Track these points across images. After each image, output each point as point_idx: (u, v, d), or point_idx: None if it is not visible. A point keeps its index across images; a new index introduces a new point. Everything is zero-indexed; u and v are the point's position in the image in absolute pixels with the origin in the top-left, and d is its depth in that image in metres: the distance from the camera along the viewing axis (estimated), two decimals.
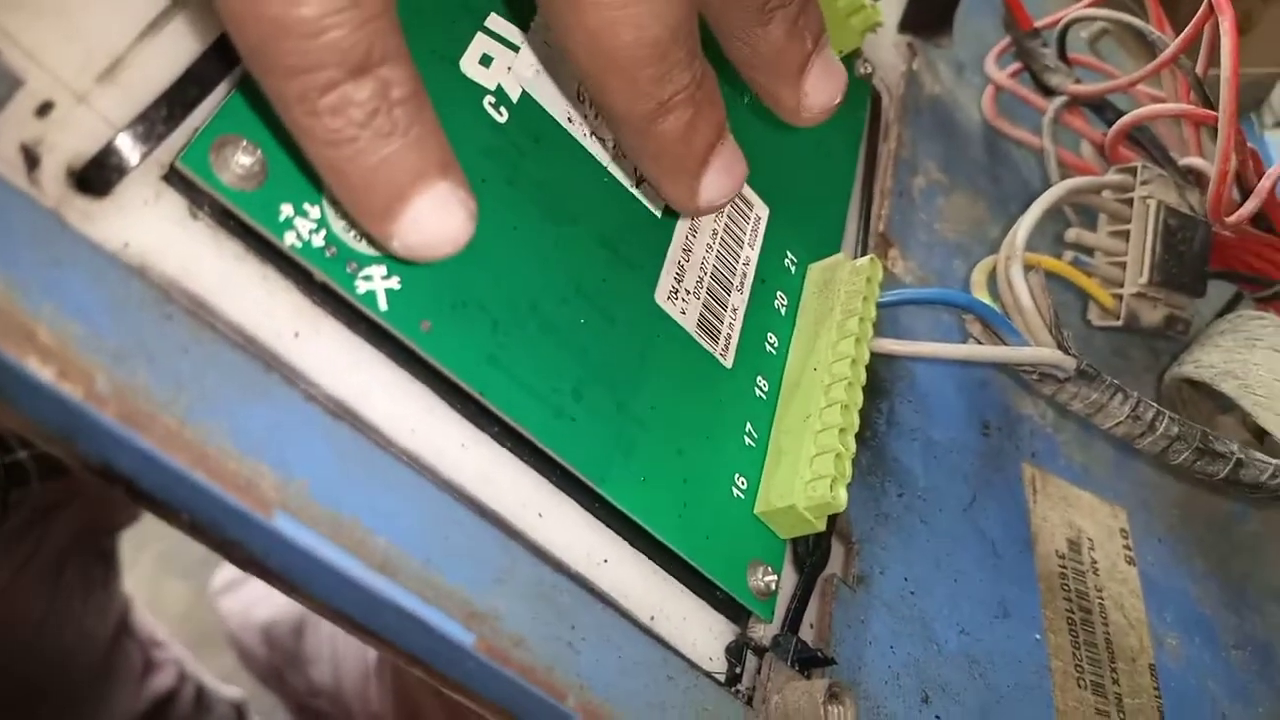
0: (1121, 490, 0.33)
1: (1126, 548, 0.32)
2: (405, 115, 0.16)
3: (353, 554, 0.15)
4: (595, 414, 0.21)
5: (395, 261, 0.18)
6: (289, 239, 0.17)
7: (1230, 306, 0.40)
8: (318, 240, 0.17)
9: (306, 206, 0.17)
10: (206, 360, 0.15)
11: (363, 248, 0.18)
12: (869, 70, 0.34)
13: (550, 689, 0.17)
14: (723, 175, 0.20)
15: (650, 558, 0.21)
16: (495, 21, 0.22)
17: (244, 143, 0.17)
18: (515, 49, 0.22)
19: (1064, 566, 0.30)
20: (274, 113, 0.17)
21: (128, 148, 0.16)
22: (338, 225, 0.18)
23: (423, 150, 0.16)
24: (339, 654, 0.63)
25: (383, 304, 0.18)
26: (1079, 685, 0.28)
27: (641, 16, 0.17)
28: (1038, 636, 0.28)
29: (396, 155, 0.16)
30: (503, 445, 0.19)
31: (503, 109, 0.21)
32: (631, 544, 0.21)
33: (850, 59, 0.33)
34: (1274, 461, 0.30)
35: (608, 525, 0.21)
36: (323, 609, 0.16)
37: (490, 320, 0.19)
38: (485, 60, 0.22)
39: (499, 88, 0.22)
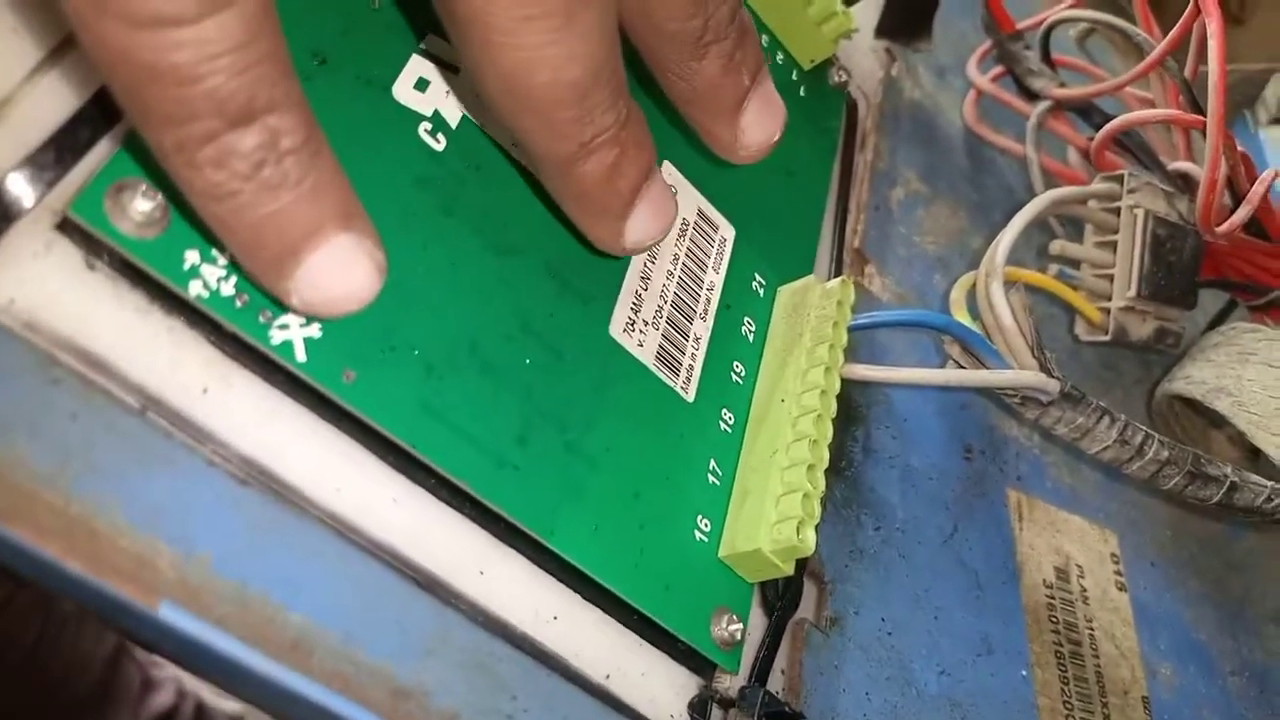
0: (1112, 511, 0.32)
1: (1118, 573, 0.31)
2: (297, 166, 0.14)
3: (255, 639, 0.14)
4: (542, 460, 0.19)
5: None
6: (194, 289, 0.16)
7: (1223, 316, 0.39)
8: (227, 288, 0.16)
9: (214, 253, 0.16)
10: (98, 426, 0.14)
11: None
12: (844, 78, 0.33)
13: None
14: (650, 218, 0.19)
15: (605, 611, 0.20)
16: (433, 43, 0.21)
17: (143, 187, 0.16)
18: (455, 71, 0.21)
19: (1052, 597, 0.29)
20: None
21: (13, 194, 0.15)
22: None
23: (318, 202, 0.15)
24: None
25: (300, 355, 0.16)
26: None
27: (558, 58, 0.16)
28: (1024, 673, 0.27)
29: (288, 209, 0.14)
30: (439, 499, 0.18)
31: (440, 136, 0.20)
32: (584, 597, 0.20)
33: (824, 68, 0.32)
34: (1269, 484, 0.29)
35: (558, 579, 0.19)
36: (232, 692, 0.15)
37: (423, 365, 0.18)
38: (421, 84, 0.20)
39: (436, 113, 0.20)
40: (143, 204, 0.15)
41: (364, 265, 0.15)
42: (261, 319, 0.16)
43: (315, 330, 0.17)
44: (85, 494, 0.14)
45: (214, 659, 0.14)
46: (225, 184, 0.14)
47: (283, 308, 0.16)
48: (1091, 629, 0.29)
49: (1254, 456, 0.34)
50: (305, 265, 0.15)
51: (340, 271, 0.15)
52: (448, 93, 0.21)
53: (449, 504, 0.18)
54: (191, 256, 0.16)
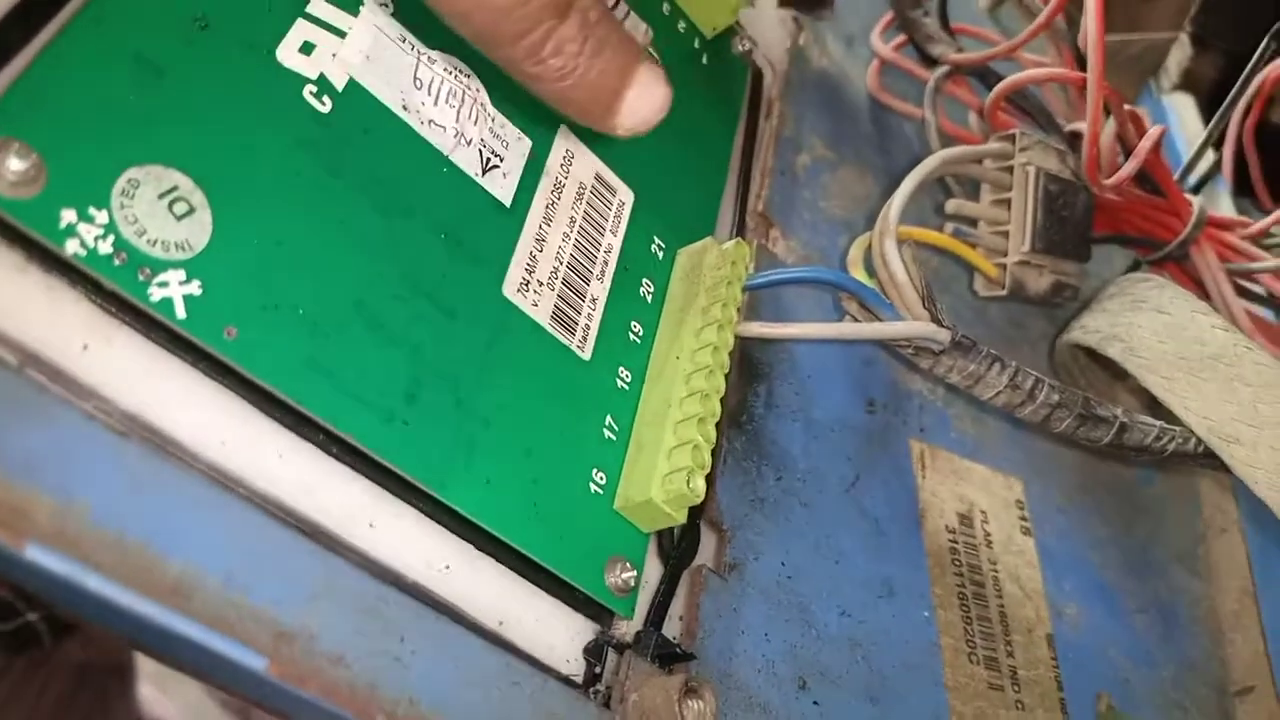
0: (1017, 461, 0.33)
1: (1022, 519, 0.32)
2: (604, 29, 0.20)
3: (133, 583, 0.14)
4: (431, 416, 0.20)
5: (195, 265, 0.17)
6: (71, 247, 0.16)
7: (1128, 272, 0.40)
8: (105, 247, 0.16)
9: (92, 211, 0.16)
10: None
11: (157, 252, 0.17)
12: (748, 47, 0.34)
13: (356, 708, 0.16)
14: (640, 104, 0.22)
15: (499, 561, 0.21)
16: (319, 6, 0.21)
17: (16, 145, 0.16)
18: (341, 34, 0.21)
19: (955, 541, 0.30)
20: (51, 111, 0.16)
21: None
22: (129, 230, 0.17)
23: (623, 50, 0.21)
24: None
25: (180, 311, 0.17)
26: (970, 660, 0.28)
27: None
28: (926, 613, 0.28)
29: (608, 64, 0.20)
30: (328, 454, 0.19)
31: (326, 98, 0.21)
32: (478, 548, 0.20)
33: (727, 36, 0.33)
34: (1156, 424, 0.30)
35: (450, 530, 0.20)
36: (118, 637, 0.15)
37: (308, 322, 0.18)
38: (306, 48, 0.21)
39: (321, 76, 0.21)
40: (16, 163, 0.16)
41: (661, 84, 0.21)
42: (140, 276, 0.17)
43: (195, 287, 0.17)
44: None
45: (88, 598, 0.14)
46: (565, 65, 0.20)
47: (163, 264, 0.17)
48: (995, 571, 0.30)
49: (1154, 406, 0.35)
50: (625, 100, 0.21)
51: (649, 95, 0.21)
52: (334, 55, 0.21)
53: (338, 458, 0.19)
54: (68, 215, 0.16)
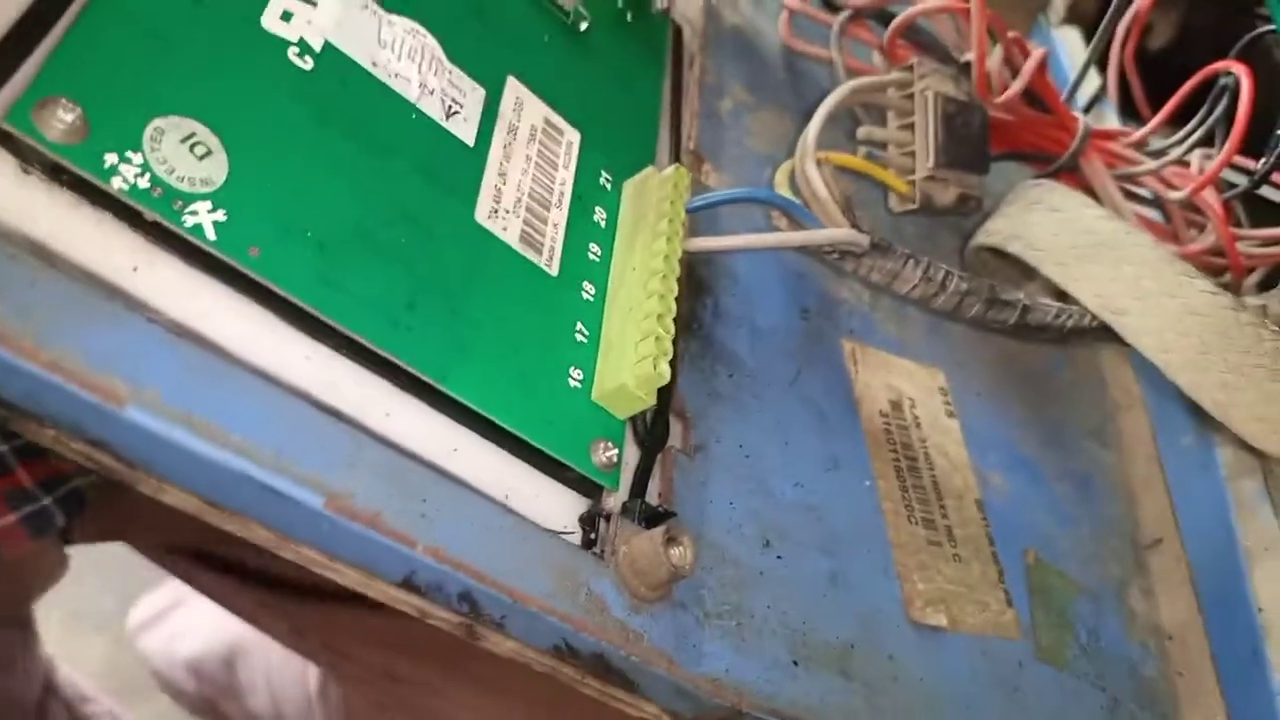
0: (938, 353, 0.37)
1: (946, 404, 0.36)
2: None
3: (208, 441, 0.17)
4: (430, 320, 0.23)
5: (219, 196, 0.20)
6: (116, 184, 0.19)
7: None
8: (143, 183, 0.19)
9: (130, 154, 0.19)
10: (52, 292, 0.17)
11: (186, 186, 0.20)
12: (666, 4, 0.37)
13: (400, 538, 0.19)
14: None
15: (499, 444, 0.24)
16: None
17: (63, 101, 0.19)
18: (314, 4, 0.24)
19: (888, 423, 0.34)
20: (88, 72, 0.19)
21: None
22: (161, 169, 0.20)
23: None
24: (275, 683, 0.63)
25: (210, 234, 0.20)
26: (910, 521, 0.32)
27: None
28: (868, 483, 0.31)
29: None
30: (345, 355, 0.22)
31: (307, 58, 0.24)
32: (480, 434, 0.23)
33: None
34: (1056, 304, 0.34)
35: (454, 419, 0.23)
36: (187, 499, 0.18)
37: (317, 243, 0.22)
38: (286, 16, 0.24)
39: (301, 40, 0.24)
40: (65, 115, 0.19)
41: None
42: (175, 206, 0.20)
43: (221, 215, 0.20)
44: (50, 343, 0.17)
45: (178, 454, 0.17)
46: None
47: (192, 196, 0.20)
48: (926, 448, 0.34)
49: (1061, 299, 0.39)
50: None
51: None
52: (309, 22, 0.24)
53: (354, 359, 0.22)
54: (110, 158, 0.19)
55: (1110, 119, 0.53)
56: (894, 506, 0.32)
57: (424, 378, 0.22)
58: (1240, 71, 0.39)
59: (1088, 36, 0.58)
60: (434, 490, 0.21)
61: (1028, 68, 0.38)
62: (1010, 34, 0.38)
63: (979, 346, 0.39)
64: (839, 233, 0.31)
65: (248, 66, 0.22)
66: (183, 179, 0.20)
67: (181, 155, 0.20)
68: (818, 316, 0.34)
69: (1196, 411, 0.34)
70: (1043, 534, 0.36)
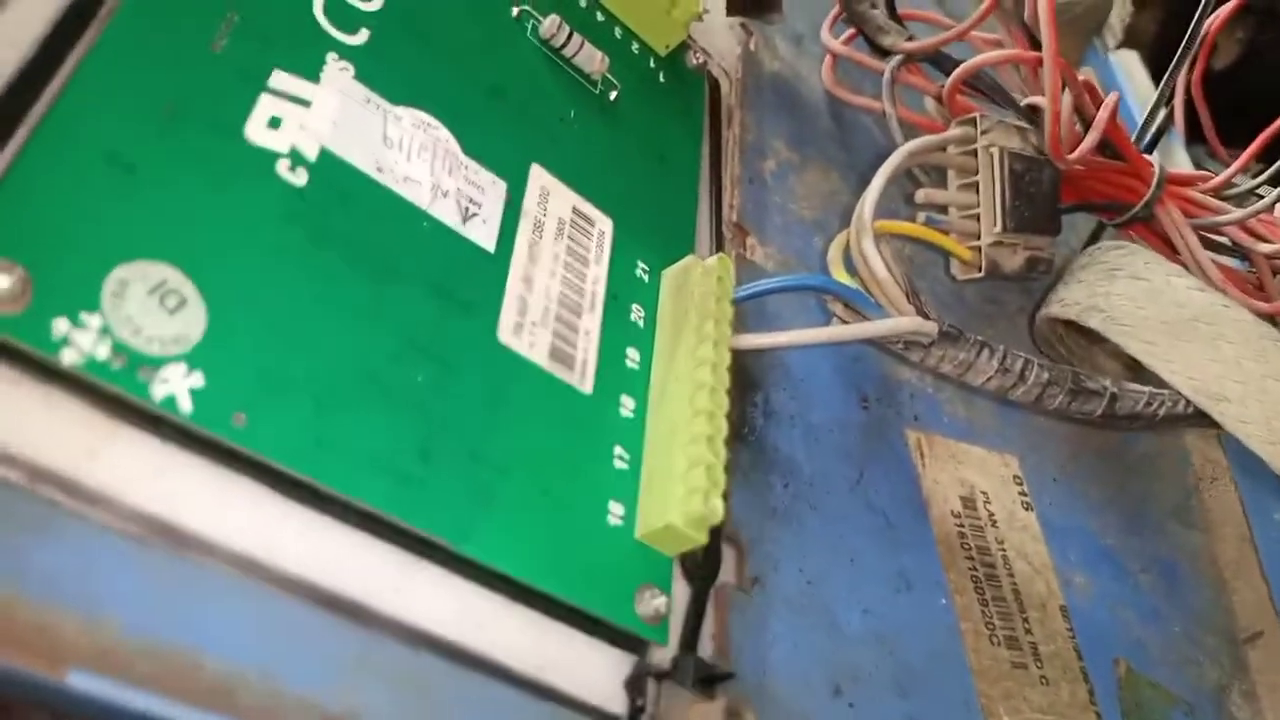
0: (1010, 437, 0.34)
1: (1022, 494, 0.33)
2: None
3: (174, 691, 0.14)
4: (446, 471, 0.20)
5: (195, 356, 0.17)
6: (68, 357, 0.16)
7: (1095, 238, 0.41)
8: (102, 352, 0.16)
9: (85, 316, 0.16)
10: None
11: (155, 349, 0.17)
12: (702, 59, 0.34)
13: None
14: None
15: (530, 607, 0.21)
16: (280, 79, 0.21)
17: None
18: (306, 104, 0.21)
19: (961, 525, 0.30)
20: (29, 222, 0.16)
21: None
22: (124, 331, 0.17)
23: None
24: None
25: (186, 406, 0.17)
26: (991, 642, 0.28)
27: None
28: (944, 601, 0.28)
29: None
30: (347, 524, 0.18)
31: (300, 171, 0.20)
32: (507, 597, 0.20)
33: (680, 51, 0.33)
34: (1146, 390, 0.30)
35: (478, 583, 0.20)
36: None
37: (312, 399, 0.18)
38: (274, 122, 0.21)
39: (293, 149, 0.21)
40: (1, 280, 0.15)
41: None
42: (141, 376, 0.16)
43: (198, 379, 0.17)
44: None
45: (131, 716, 0.14)
46: None
47: (162, 360, 0.17)
48: (1004, 550, 0.30)
49: (1135, 367, 0.36)
50: None
51: None
52: (302, 127, 0.21)
53: (357, 527, 0.19)
54: (60, 325, 0.16)
55: (1176, 150, 0.50)
56: (973, 626, 0.28)
57: (441, 542, 0.19)
58: None
59: (1147, 60, 0.54)
60: (453, 688, 0.18)
61: (1102, 118, 0.34)
62: (1080, 77, 0.35)
63: (1050, 422, 0.36)
64: (905, 322, 0.27)
65: (229, 188, 0.19)
66: (151, 340, 0.17)
67: (150, 310, 0.17)
68: (878, 405, 0.31)
69: None
70: (1132, 638, 0.32)
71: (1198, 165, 0.50)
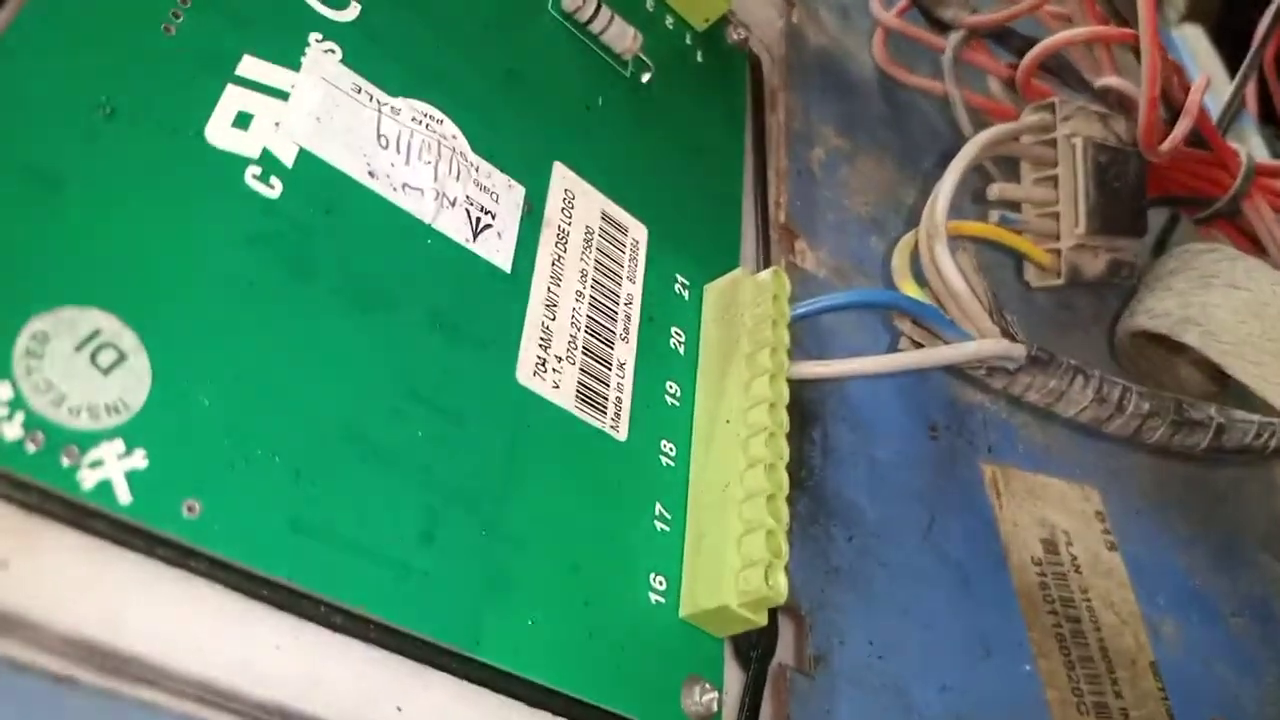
0: (1089, 464, 0.30)
1: (1105, 532, 0.29)
2: None
3: None
4: (455, 555, 0.16)
5: (135, 429, 0.13)
6: None
7: (1168, 232, 0.37)
8: (12, 431, 0.12)
9: None
10: None
11: (83, 422, 0.13)
12: (743, 35, 0.30)
13: None
14: None
15: (559, 714, 0.17)
16: (251, 66, 0.17)
17: None
18: (284, 96, 0.17)
19: (1043, 574, 0.26)
20: None
21: None
22: (41, 401, 0.13)
23: None
24: None
25: (124, 496, 0.13)
26: (1080, 710, 0.25)
27: None
28: (1028, 667, 0.24)
29: None
30: (334, 630, 0.15)
31: (273, 179, 0.17)
32: (530, 703, 0.17)
33: (719, 26, 0.29)
34: (1255, 419, 0.27)
35: (495, 690, 0.16)
36: None
37: (288, 471, 0.15)
38: (242, 120, 0.17)
39: (265, 153, 0.17)
40: None
41: None
42: (65, 460, 0.13)
43: (139, 459, 0.13)
44: None
45: None
46: None
47: (92, 437, 0.13)
48: (1089, 600, 0.27)
49: (1221, 378, 0.32)
50: None
51: None
52: (277, 124, 0.17)
53: (348, 633, 0.15)
54: None
55: (1252, 137, 0.45)
56: (1059, 694, 0.24)
57: (449, 646, 0.16)
58: None
59: (1212, 34, 0.50)
60: None
61: (1193, 103, 0.30)
62: (1169, 58, 0.31)
63: (1130, 447, 0.32)
64: (989, 345, 0.23)
65: (183, 206, 0.15)
66: (78, 410, 0.13)
67: (76, 371, 0.13)
68: (948, 434, 0.27)
69: None
70: (1227, 693, 0.29)
71: (1272, 147, 0.46)
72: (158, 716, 0.13)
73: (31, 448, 0.12)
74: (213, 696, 0.13)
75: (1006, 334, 0.24)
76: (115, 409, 0.13)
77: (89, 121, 0.15)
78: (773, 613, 0.20)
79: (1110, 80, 0.32)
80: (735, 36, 0.29)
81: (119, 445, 0.13)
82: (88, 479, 0.13)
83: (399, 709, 0.15)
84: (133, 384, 0.14)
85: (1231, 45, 0.48)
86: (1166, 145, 0.29)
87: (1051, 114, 0.30)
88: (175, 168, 0.15)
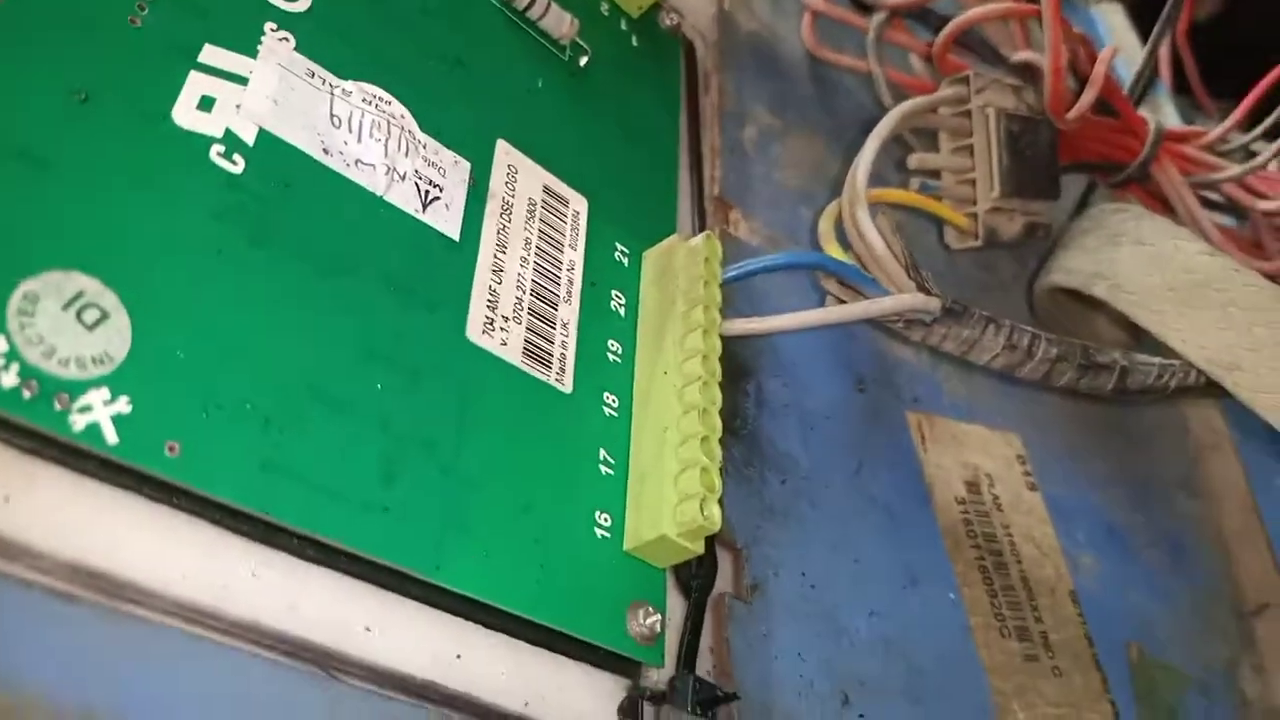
0: (1011, 413, 0.32)
1: (1026, 474, 0.31)
2: None
3: None
4: (414, 493, 0.18)
5: (119, 378, 0.15)
6: None
7: (1085, 198, 0.39)
8: (8, 379, 0.14)
9: None
10: None
11: (72, 372, 0.14)
12: (675, 20, 0.31)
13: None
14: None
15: (513, 635, 0.19)
16: (212, 54, 0.19)
17: None
18: (243, 81, 0.19)
19: (966, 512, 0.28)
20: None
21: None
22: (34, 353, 0.14)
23: None
24: None
25: (111, 436, 0.15)
26: (1002, 635, 0.27)
27: None
28: (952, 595, 0.26)
29: None
30: (306, 559, 0.16)
31: (236, 157, 0.18)
32: (488, 627, 0.18)
33: (653, 12, 0.30)
34: (1156, 361, 0.29)
35: (455, 614, 0.18)
36: None
37: (258, 418, 0.16)
38: (206, 103, 0.18)
39: (228, 132, 0.18)
40: None
41: None
42: (57, 405, 0.14)
43: (124, 404, 0.15)
44: None
45: None
46: None
47: (81, 385, 0.14)
48: (1010, 535, 0.29)
49: (1134, 331, 0.34)
50: None
51: None
52: (238, 107, 0.18)
53: (319, 562, 0.17)
54: None
55: (1165, 106, 0.48)
56: (983, 620, 0.27)
57: (412, 573, 0.17)
58: None
59: (1131, 13, 0.52)
60: None
61: (1099, 73, 0.32)
62: (1075, 31, 0.33)
63: (1051, 396, 0.34)
64: (906, 299, 0.25)
65: (155, 182, 0.17)
66: (67, 361, 0.15)
67: (64, 328, 0.15)
68: (876, 386, 0.29)
69: None
70: (1143, 620, 0.31)
71: (1185, 117, 0.49)
72: (149, 632, 0.14)
73: (26, 394, 0.14)
74: (197, 616, 0.15)
75: (922, 288, 0.26)
76: (100, 360, 0.15)
77: (66, 107, 0.16)
78: (711, 546, 0.22)
79: (1024, 55, 0.35)
80: (668, 22, 0.31)
81: (105, 393, 0.15)
82: (78, 422, 0.14)
83: (368, 629, 0.17)
84: (115, 339, 0.15)
85: (1151, 22, 0.50)
86: (1074, 113, 0.32)
87: (966, 87, 0.32)
88: (146, 147, 0.17)
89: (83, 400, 0.14)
